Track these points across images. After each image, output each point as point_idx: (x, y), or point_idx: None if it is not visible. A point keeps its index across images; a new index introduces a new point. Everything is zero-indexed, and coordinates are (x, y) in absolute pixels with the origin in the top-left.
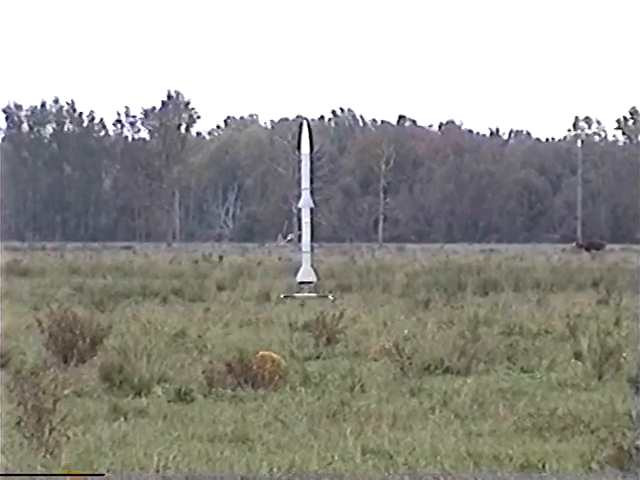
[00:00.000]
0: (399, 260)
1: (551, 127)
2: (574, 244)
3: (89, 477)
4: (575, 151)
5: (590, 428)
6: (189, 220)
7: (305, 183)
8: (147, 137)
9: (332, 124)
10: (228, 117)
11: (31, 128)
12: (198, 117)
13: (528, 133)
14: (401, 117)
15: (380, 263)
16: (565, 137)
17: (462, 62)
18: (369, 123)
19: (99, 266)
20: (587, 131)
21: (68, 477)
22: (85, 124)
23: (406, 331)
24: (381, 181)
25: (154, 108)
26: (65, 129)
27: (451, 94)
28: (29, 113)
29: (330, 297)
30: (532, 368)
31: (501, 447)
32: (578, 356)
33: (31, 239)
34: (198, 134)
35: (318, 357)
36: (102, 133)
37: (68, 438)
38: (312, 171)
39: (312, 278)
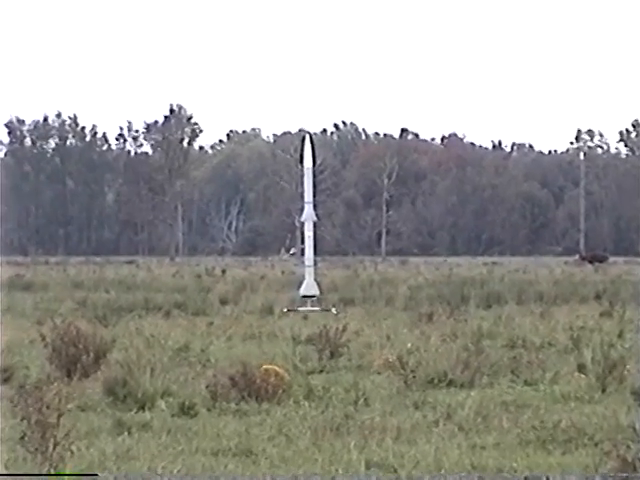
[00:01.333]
0: (402, 273)
1: (554, 140)
2: (577, 256)
3: (83, 477)
4: (578, 163)
5: (594, 441)
6: (192, 234)
7: (308, 197)
8: (149, 151)
9: (335, 137)
10: (230, 131)
11: (34, 142)
12: (200, 131)
13: (531, 146)
14: (404, 130)
15: (383, 276)
16: (568, 150)
17: (464, 75)
18: (371, 136)
19: (102, 280)
20: (589, 143)
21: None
22: (88, 138)
23: (409, 344)
24: (384, 194)
25: (156, 122)
26: (68, 143)
27: (453, 107)
28: (31, 127)
29: (333, 310)
30: (535, 381)
31: (505, 460)
32: (581, 369)
33: (34, 253)
34: (201, 148)
35: (321, 371)
36: (105, 147)
37: (72, 452)
38: (315, 185)
39: (315, 292)
